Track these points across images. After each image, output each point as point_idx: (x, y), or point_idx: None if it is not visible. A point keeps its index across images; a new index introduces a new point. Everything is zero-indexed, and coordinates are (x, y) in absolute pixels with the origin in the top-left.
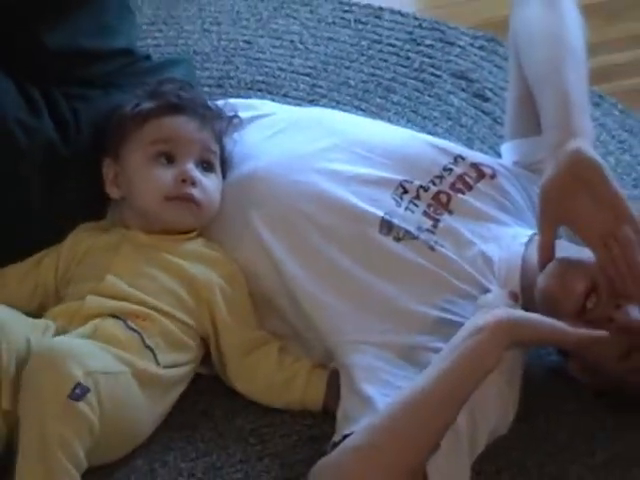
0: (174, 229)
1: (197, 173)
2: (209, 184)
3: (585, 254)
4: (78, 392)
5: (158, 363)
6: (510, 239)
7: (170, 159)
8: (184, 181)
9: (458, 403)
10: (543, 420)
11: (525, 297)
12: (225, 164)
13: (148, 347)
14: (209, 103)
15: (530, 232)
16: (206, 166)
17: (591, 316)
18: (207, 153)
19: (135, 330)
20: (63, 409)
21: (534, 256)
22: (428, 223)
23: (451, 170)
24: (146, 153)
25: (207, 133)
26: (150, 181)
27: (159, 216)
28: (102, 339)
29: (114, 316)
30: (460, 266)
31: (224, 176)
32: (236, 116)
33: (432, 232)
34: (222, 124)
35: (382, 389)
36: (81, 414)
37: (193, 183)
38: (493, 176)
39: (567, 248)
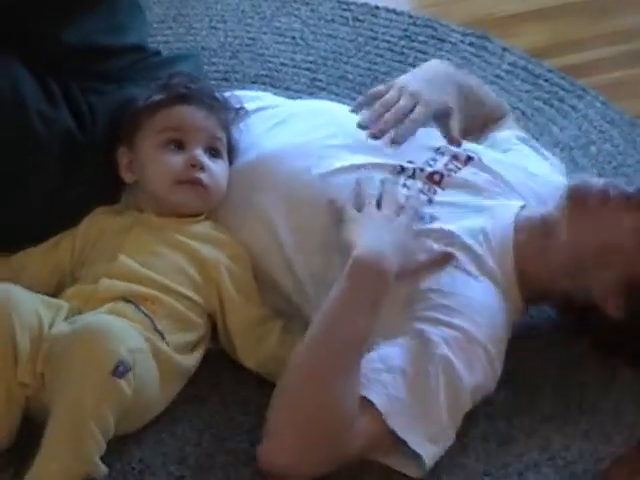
0: (183, 211)
1: (205, 159)
2: (217, 169)
3: None
4: (121, 369)
5: (167, 344)
6: (501, 209)
7: (180, 146)
8: (193, 166)
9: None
10: (528, 390)
11: (519, 258)
12: (232, 151)
13: (157, 331)
14: (216, 94)
15: (520, 203)
16: (214, 152)
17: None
18: (214, 140)
19: (146, 314)
20: (104, 384)
21: (526, 222)
22: (424, 198)
23: (443, 153)
24: (157, 140)
25: (214, 121)
26: (161, 166)
27: (169, 199)
28: None
29: (126, 300)
30: (454, 236)
31: (231, 162)
32: (242, 107)
33: (429, 204)
34: (228, 114)
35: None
36: (120, 390)
37: (202, 168)
38: (480, 159)
39: None
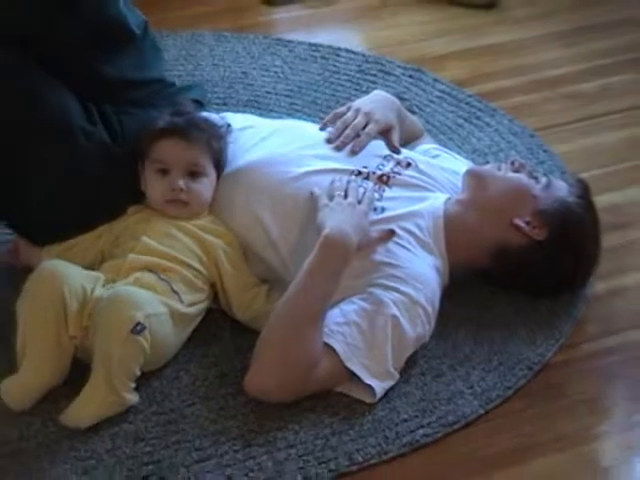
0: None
1: (182, 183)
2: (197, 187)
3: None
4: (138, 328)
5: (182, 302)
6: (434, 200)
7: (165, 172)
8: (174, 189)
9: (318, 290)
10: (453, 338)
11: (448, 232)
12: (220, 162)
13: (175, 291)
14: (202, 123)
15: (448, 195)
16: (194, 174)
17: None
18: (193, 166)
19: (165, 280)
20: (125, 339)
21: (451, 208)
22: (376, 195)
23: (389, 160)
24: (151, 168)
25: (193, 150)
26: (153, 189)
27: (163, 211)
28: (142, 287)
29: (149, 270)
30: (400, 221)
31: (222, 170)
32: (229, 125)
33: (379, 200)
34: (212, 137)
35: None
36: (138, 343)
37: (181, 190)
38: (416, 164)
39: None
